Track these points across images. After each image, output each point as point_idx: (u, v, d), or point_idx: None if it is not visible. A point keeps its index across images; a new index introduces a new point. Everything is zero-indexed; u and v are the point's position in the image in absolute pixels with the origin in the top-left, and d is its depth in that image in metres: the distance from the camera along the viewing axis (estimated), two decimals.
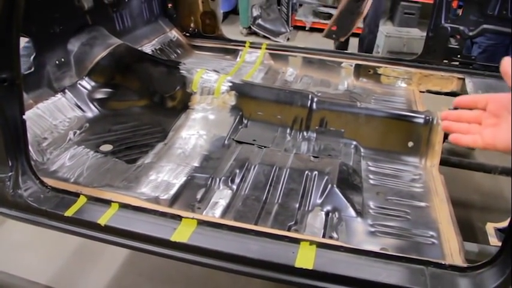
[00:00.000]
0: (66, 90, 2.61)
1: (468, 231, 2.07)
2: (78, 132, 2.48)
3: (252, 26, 7.37)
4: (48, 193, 1.83)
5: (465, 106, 1.07)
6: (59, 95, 2.56)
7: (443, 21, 3.22)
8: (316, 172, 2.23)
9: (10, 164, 1.78)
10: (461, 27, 3.19)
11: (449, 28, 3.22)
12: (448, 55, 3.29)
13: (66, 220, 1.76)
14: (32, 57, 2.45)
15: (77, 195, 1.82)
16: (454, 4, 3.32)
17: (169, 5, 3.91)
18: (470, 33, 3.18)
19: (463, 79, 3.18)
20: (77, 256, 2.99)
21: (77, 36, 2.79)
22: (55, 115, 2.47)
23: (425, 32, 3.37)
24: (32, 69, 2.44)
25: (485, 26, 3.15)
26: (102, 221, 1.71)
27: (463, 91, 3.13)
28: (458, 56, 3.27)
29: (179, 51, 3.76)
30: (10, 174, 1.79)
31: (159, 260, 2.54)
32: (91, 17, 2.89)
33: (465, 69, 3.24)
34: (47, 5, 2.48)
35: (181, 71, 2.84)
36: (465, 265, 1.55)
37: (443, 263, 1.53)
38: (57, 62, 2.63)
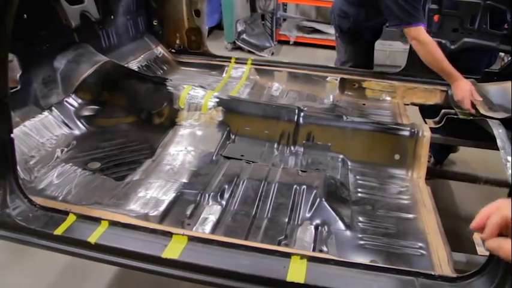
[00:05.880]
0: (53, 108, 2.59)
1: (455, 241, 2.08)
2: (65, 150, 2.47)
3: (236, 41, 7.41)
4: (36, 212, 1.81)
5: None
6: (45, 113, 2.55)
7: None
8: (304, 186, 2.24)
9: None
10: (443, 41, 3.25)
11: None
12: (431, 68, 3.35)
13: (56, 239, 1.74)
14: (18, 75, 2.44)
15: (66, 213, 1.81)
16: (436, 18, 3.37)
17: (155, 22, 3.93)
18: (452, 47, 3.24)
19: (446, 91, 3.23)
20: (64, 275, 2.95)
21: (63, 54, 2.78)
22: (42, 133, 2.45)
23: (408, 45, 3.43)
24: (19, 87, 2.43)
25: (465, 39, 3.21)
26: (92, 239, 1.69)
27: (446, 103, 3.18)
28: None
29: (165, 68, 3.77)
30: None
31: (147, 277, 2.53)
32: (78, 35, 2.89)
33: (448, 82, 3.29)
34: (33, 23, 2.47)
35: (168, 88, 2.85)
36: (454, 275, 1.57)
37: (432, 273, 1.55)
38: (43, 79, 2.62)
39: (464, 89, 2.88)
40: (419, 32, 2.95)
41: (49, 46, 2.66)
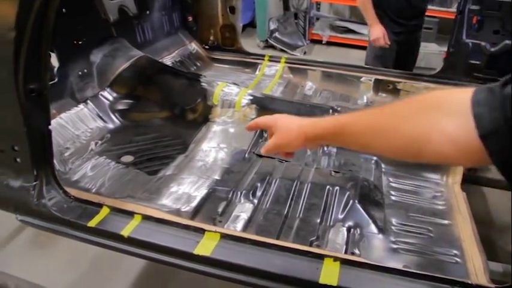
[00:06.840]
0: (89, 101, 2.63)
1: (489, 250, 2.02)
2: (99, 142, 2.50)
3: (269, 39, 7.38)
4: (71, 203, 1.84)
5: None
6: (81, 106, 2.59)
7: (464, 37, 3.20)
8: (337, 187, 2.22)
9: (35, 173, 1.79)
10: (483, 43, 3.17)
11: (470, 44, 3.20)
12: (469, 71, 3.27)
13: (89, 230, 1.76)
14: (55, 68, 2.48)
15: (100, 205, 1.82)
16: (474, 19, 3.29)
17: (190, 18, 3.93)
18: (492, 49, 3.15)
19: None
20: (94, 265, 2.99)
21: (100, 48, 2.82)
22: (77, 125, 2.49)
23: (443, 46, 3.35)
24: (56, 80, 2.47)
25: (507, 41, 3.12)
26: (125, 232, 1.70)
27: None
28: (480, 72, 3.24)
29: (199, 64, 3.78)
30: (35, 183, 1.80)
31: (174, 272, 2.54)
32: (115, 29, 2.92)
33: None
34: (72, 17, 2.51)
35: (202, 84, 2.86)
36: (492, 285, 1.52)
37: (469, 282, 1.50)
38: (80, 73, 2.66)
39: (379, 30, 3.51)
40: None
41: (86, 40, 2.70)
